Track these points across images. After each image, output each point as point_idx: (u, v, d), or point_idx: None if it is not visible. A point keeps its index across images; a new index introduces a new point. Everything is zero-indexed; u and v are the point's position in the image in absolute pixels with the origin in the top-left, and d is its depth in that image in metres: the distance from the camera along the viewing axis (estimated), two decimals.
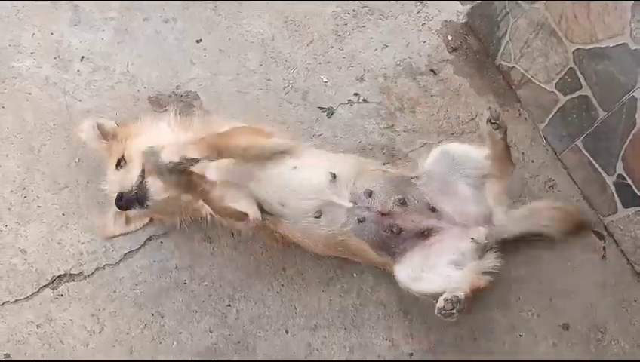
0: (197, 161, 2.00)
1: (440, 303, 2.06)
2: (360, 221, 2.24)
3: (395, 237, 2.25)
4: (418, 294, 2.21)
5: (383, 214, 2.26)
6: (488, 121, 2.21)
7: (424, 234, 2.27)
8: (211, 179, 2.12)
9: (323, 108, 2.81)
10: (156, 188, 2.17)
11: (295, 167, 2.25)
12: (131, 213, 2.30)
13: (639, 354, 2.51)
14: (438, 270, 2.20)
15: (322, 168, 2.27)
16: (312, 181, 2.24)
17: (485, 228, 2.30)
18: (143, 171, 2.18)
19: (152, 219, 2.45)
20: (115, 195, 2.20)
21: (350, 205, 2.25)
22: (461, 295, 2.05)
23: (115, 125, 2.40)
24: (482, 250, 2.30)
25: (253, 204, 2.16)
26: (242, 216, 2.14)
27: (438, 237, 2.27)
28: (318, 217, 2.23)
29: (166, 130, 2.33)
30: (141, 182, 2.18)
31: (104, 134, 2.36)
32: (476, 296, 2.46)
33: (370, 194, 2.27)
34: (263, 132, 2.27)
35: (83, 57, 2.75)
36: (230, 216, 2.18)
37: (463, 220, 2.28)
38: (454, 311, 2.04)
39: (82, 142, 2.38)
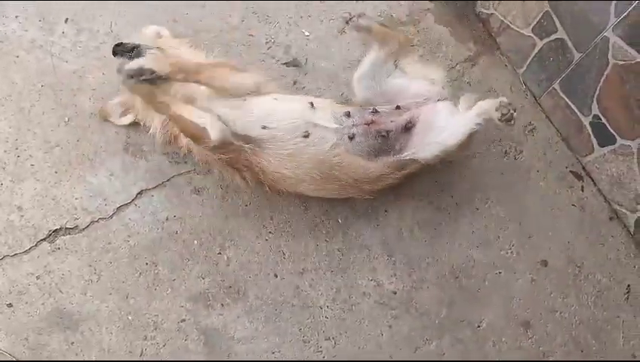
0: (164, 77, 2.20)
1: (496, 115, 2.25)
2: (350, 138, 2.37)
3: (387, 140, 2.40)
4: (460, 143, 2.39)
5: (367, 124, 2.41)
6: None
7: (408, 127, 2.43)
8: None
9: (287, 62, 2.88)
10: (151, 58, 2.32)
11: (275, 99, 2.41)
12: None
13: (614, 286, 2.63)
14: (454, 119, 2.42)
15: (300, 99, 2.48)
16: (293, 106, 2.42)
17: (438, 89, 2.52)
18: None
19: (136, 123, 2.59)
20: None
21: (335, 125, 2.38)
22: (503, 99, 2.26)
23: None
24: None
25: (217, 123, 2.25)
26: (201, 133, 2.23)
27: (421, 119, 2.44)
28: (307, 136, 2.33)
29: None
30: (139, 47, 2.40)
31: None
32: (456, 238, 2.59)
33: (348, 114, 2.44)
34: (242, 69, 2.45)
35: (67, 19, 2.79)
36: (191, 134, 2.28)
37: (422, 98, 2.49)
38: (511, 110, 2.23)
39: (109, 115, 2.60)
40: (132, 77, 2.18)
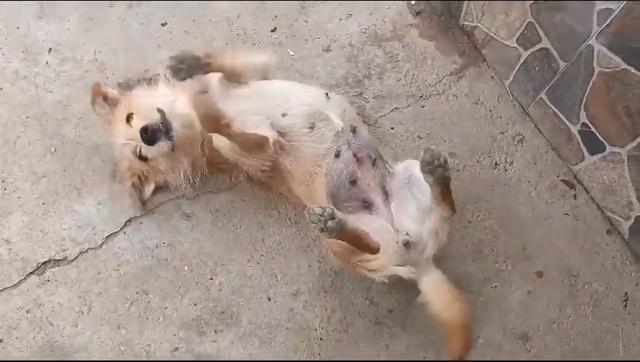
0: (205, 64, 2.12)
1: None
2: (336, 155, 2.28)
3: (348, 190, 2.27)
4: None
5: (355, 156, 2.29)
6: (421, 162, 2.05)
7: (366, 206, 2.29)
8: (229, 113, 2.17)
9: None
10: (178, 121, 2.25)
11: (293, 82, 2.44)
12: (153, 150, 2.27)
13: (612, 295, 2.60)
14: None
15: (318, 88, 2.44)
16: (310, 91, 2.39)
17: (410, 250, 2.23)
18: (162, 112, 2.24)
19: (159, 187, 2.52)
20: (139, 131, 2.20)
21: (340, 126, 2.28)
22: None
23: (117, 94, 2.51)
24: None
25: (268, 126, 2.23)
26: (263, 141, 2.20)
27: (373, 218, 2.26)
28: (312, 128, 2.27)
29: (165, 89, 2.44)
30: (164, 118, 2.24)
31: (106, 100, 2.48)
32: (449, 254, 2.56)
33: (354, 130, 2.33)
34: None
35: (51, 49, 2.79)
36: (252, 145, 2.22)
37: (398, 225, 2.25)
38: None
39: (92, 102, 2.49)
40: (178, 70, 2.06)
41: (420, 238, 2.22)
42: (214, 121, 2.14)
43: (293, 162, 2.32)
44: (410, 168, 2.33)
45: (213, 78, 2.31)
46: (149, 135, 2.19)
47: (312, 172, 2.31)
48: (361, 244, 2.10)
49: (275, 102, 2.30)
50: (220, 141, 2.26)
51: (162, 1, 2.97)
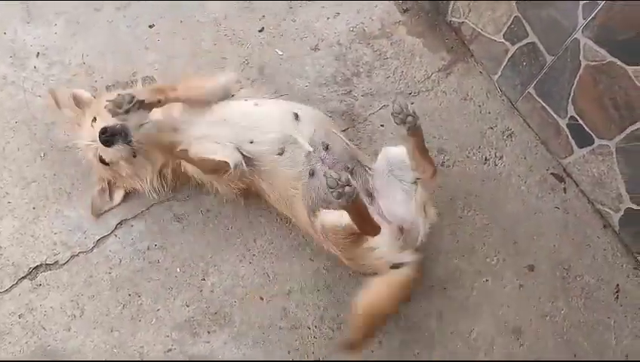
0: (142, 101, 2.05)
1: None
2: (310, 175, 2.26)
3: (331, 203, 2.18)
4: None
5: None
6: (392, 114, 2.06)
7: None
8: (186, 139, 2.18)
9: None
10: (136, 123, 2.16)
11: (256, 104, 2.33)
12: (110, 153, 2.26)
13: (603, 287, 2.61)
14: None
15: (285, 107, 2.36)
16: (274, 114, 2.31)
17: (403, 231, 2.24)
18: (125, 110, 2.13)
19: (128, 193, 2.52)
20: (99, 132, 2.15)
21: (310, 149, 2.27)
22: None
23: (92, 96, 2.49)
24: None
25: (230, 150, 2.21)
26: (223, 166, 2.18)
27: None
28: (281, 154, 2.25)
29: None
30: (124, 118, 2.13)
31: (78, 103, 2.44)
32: (440, 249, 2.56)
33: (327, 147, 2.30)
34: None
35: (38, 53, 2.79)
36: (213, 170, 2.24)
37: (389, 218, 2.25)
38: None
39: (57, 105, 2.45)
40: (116, 113, 2.02)
41: (412, 219, 2.23)
42: (168, 149, 2.18)
43: (268, 186, 2.33)
44: (385, 153, 2.33)
45: (157, 113, 2.23)
46: (106, 136, 2.14)
47: (290, 195, 2.32)
48: (366, 222, 2.07)
49: (240, 129, 2.25)
50: (185, 164, 2.30)
51: (150, 2, 2.96)
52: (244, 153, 2.25)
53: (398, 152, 2.27)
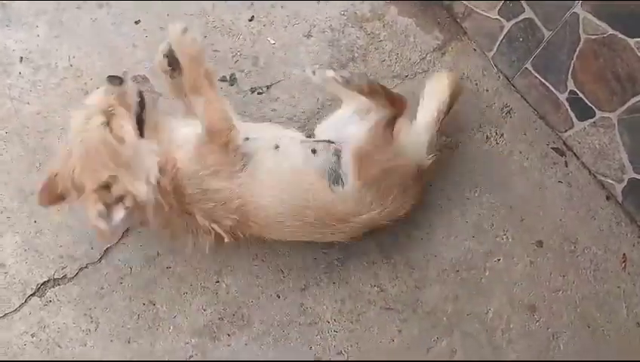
0: None
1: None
2: (313, 151, 2.26)
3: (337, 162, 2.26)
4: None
5: (329, 142, 2.30)
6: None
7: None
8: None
9: (224, 77, 2.79)
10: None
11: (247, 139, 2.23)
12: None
13: (610, 257, 2.66)
14: None
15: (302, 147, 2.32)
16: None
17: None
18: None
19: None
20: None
21: (303, 137, 2.35)
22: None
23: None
24: None
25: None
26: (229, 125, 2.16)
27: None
28: (277, 148, 2.23)
29: None
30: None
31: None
32: (450, 232, 2.56)
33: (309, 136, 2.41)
34: None
35: (22, 58, 2.66)
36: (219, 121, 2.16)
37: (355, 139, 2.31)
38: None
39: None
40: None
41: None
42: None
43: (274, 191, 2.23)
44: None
45: None
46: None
47: (306, 189, 2.24)
48: (391, 95, 2.31)
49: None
50: None
51: None
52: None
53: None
